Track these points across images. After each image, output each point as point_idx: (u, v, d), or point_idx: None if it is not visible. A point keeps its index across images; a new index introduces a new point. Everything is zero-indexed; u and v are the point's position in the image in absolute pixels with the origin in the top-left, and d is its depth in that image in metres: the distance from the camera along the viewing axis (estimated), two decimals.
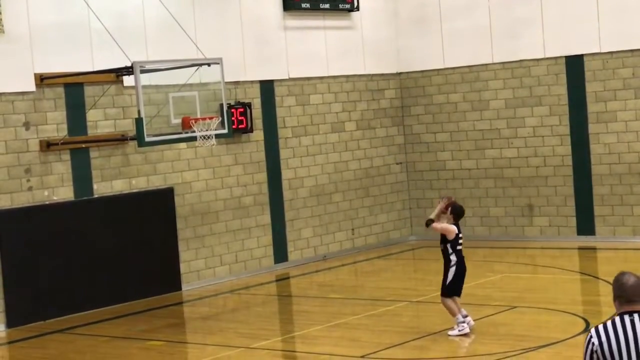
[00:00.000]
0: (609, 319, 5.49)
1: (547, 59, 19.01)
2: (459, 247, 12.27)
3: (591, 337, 5.38)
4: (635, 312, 5.37)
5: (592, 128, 18.69)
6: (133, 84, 14.47)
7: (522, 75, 19.38)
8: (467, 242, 19.56)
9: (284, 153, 18.68)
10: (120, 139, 16.07)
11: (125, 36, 15.41)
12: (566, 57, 18.82)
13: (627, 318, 5.38)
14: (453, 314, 12.33)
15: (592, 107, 18.65)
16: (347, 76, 19.88)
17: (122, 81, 16.01)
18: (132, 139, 15.58)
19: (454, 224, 12.30)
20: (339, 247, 19.58)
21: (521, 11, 19.17)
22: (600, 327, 5.41)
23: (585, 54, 18.59)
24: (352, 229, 19.85)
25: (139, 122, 14.19)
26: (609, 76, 18.44)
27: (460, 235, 12.30)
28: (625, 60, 18.29)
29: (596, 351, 5.35)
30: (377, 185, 20.38)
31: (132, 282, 15.98)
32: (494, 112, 19.74)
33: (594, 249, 18.40)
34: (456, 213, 12.41)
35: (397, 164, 20.80)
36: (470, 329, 12.25)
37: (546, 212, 19.35)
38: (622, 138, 18.40)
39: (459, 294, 12.41)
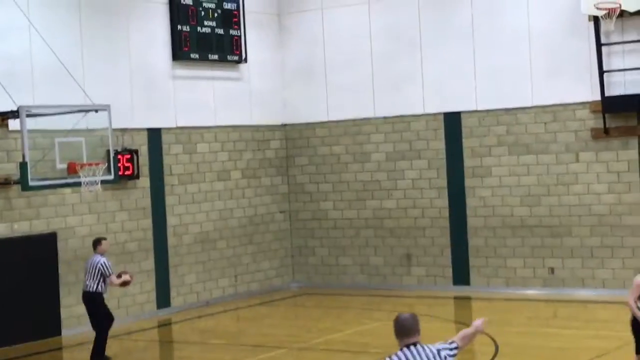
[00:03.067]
0: (395, 352, 6.38)
1: (427, 114, 19.29)
2: None
3: None
4: (415, 343, 6.37)
5: (468, 182, 19.00)
6: (19, 127, 14.18)
7: (402, 130, 19.62)
8: (346, 291, 19.72)
9: (169, 200, 18.45)
10: (3, 183, 15.63)
11: (12, 80, 15.12)
12: (445, 113, 19.12)
13: (406, 350, 6.34)
14: None
15: (468, 162, 18.96)
16: (234, 126, 19.83)
17: (7, 125, 15.62)
18: (15, 182, 15.20)
19: None
20: (222, 293, 19.38)
21: (402, 67, 19.43)
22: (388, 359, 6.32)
23: (463, 112, 18.92)
24: (235, 276, 19.69)
25: (23, 166, 13.94)
26: (485, 133, 18.79)
27: None
28: (500, 118, 18.67)
29: None
30: (260, 232, 20.28)
31: (12, 327, 15.47)
32: (375, 164, 19.90)
33: (468, 298, 18.61)
34: None
35: (280, 212, 20.75)
36: None
37: (424, 262, 19.53)
38: (497, 192, 18.74)
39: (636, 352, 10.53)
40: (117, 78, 17.52)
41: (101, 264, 14.12)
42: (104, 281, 14.16)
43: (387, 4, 19.68)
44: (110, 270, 14.16)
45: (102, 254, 14.26)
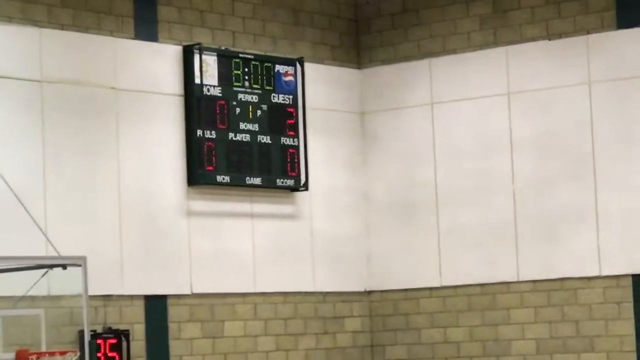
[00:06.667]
0: None
1: (605, 278, 19.16)
2: None
3: None
4: None
5: None
6: None
7: (564, 303, 19.53)
8: None
9: None
10: None
11: None
12: (634, 275, 19.00)
13: None
14: None
15: None
16: (286, 293, 20.03)
17: None
18: None
19: None
20: None
21: (564, 199, 19.48)
22: None
23: None
24: None
25: None
26: None
27: None
28: None
29: None
30: None
31: None
32: None
33: None
34: None
35: None
36: None
37: None
38: None
39: None
40: (97, 216, 17.73)
41: None
42: None
43: (537, 97, 19.87)
44: None
45: None
